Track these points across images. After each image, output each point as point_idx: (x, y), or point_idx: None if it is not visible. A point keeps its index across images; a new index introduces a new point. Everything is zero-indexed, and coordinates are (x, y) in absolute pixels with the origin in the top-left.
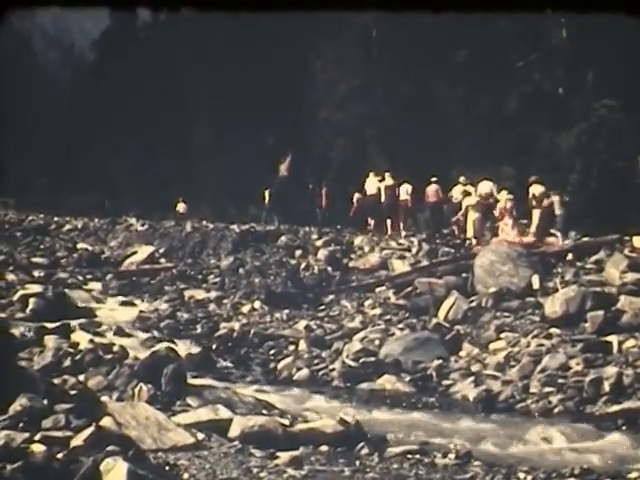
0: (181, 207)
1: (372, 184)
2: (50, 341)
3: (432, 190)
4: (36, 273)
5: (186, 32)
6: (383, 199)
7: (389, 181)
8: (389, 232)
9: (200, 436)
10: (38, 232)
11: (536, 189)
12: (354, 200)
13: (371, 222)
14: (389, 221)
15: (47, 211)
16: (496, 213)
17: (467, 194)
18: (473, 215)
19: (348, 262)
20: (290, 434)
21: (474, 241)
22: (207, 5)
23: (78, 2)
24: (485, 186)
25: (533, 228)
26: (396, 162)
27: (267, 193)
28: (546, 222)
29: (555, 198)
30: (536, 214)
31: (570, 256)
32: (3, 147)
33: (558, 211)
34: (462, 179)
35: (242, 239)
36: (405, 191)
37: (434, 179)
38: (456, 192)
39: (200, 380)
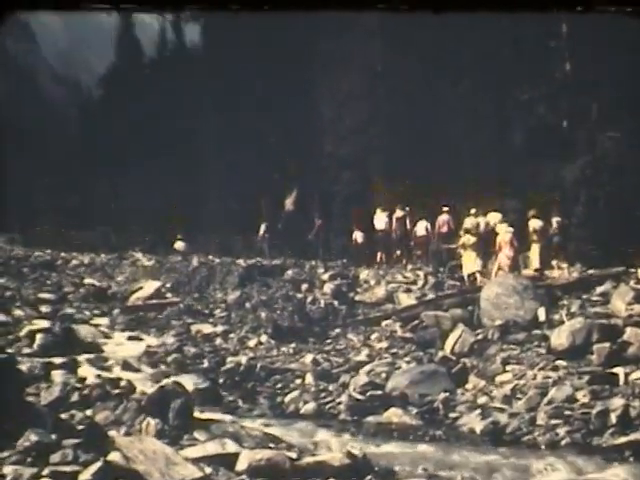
0: (179, 245)
1: (381, 219)
2: (57, 376)
3: (443, 220)
4: (43, 308)
5: (191, 69)
6: (394, 232)
7: (399, 213)
8: (403, 263)
9: (208, 470)
10: (45, 267)
11: (535, 223)
12: (354, 237)
13: (382, 256)
14: (399, 252)
15: (54, 246)
16: (496, 246)
17: (466, 232)
18: (470, 254)
19: (354, 296)
20: (297, 467)
21: (477, 277)
22: (209, 5)
23: (77, 6)
24: (494, 217)
25: (535, 263)
26: (401, 196)
27: (263, 226)
28: (547, 252)
29: (555, 219)
30: (536, 248)
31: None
32: (9, 182)
33: (557, 231)
34: (473, 211)
35: (248, 273)
36: (424, 227)
37: (446, 209)
38: (467, 224)
39: (207, 414)
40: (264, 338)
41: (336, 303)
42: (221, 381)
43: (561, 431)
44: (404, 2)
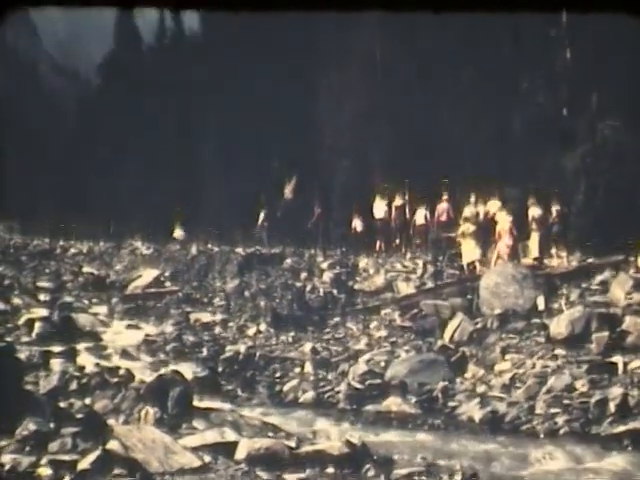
0: (178, 234)
1: (380, 208)
2: (56, 365)
3: (442, 209)
4: (42, 297)
5: (190, 57)
6: (394, 221)
7: (399, 202)
8: (402, 252)
9: (207, 459)
10: (43, 256)
11: (535, 211)
12: (353, 226)
13: (381, 245)
14: (398, 240)
15: (52, 235)
16: (496, 235)
17: (466, 220)
18: (469, 242)
19: (353, 284)
20: (296, 456)
21: (477, 265)
22: (208, 5)
23: (77, 2)
24: (493, 206)
25: (534, 252)
26: (400, 184)
27: (262, 215)
28: (546, 240)
29: (555, 208)
30: (535, 237)
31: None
32: (8, 171)
33: (556, 220)
34: (472, 198)
35: (247, 262)
36: (424, 216)
37: (445, 197)
38: (466, 212)
39: (206, 403)
40: (263, 327)
41: (335, 292)
42: (220, 370)
43: (560, 420)
44: (404, 2)
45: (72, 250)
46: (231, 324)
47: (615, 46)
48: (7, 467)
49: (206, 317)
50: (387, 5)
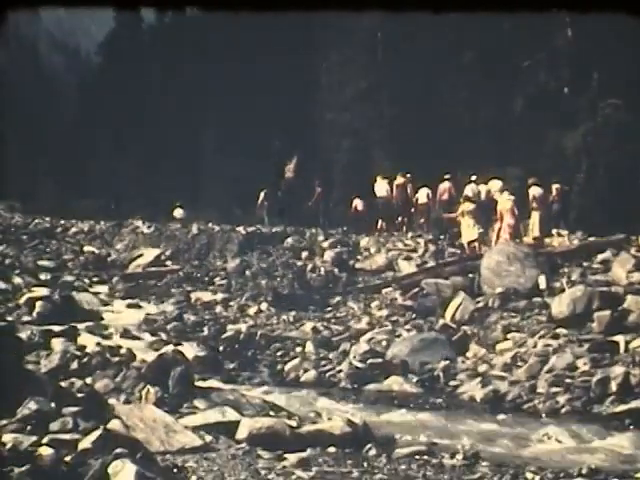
0: (178, 213)
1: (381, 187)
2: (57, 344)
3: (444, 188)
4: (42, 276)
5: (191, 36)
6: (395, 199)
7: (400, 180)
8: (403, 231)
9: (208, 438)
10: (44, 235)
11: (535, 190)
12: (354, 204)
13: (382, 224)
14: (400, 219)
15: (53, 214)
16: (497, 215)
17: (466, 199)
18: (469, 221)
19: (354, 263)
20: (298, 436)
21: (477, 244)
22: (209, 4)
23: (79, 2)
24: (495, 185)
25: (535, 231)
26: (401, 164)
27: (262, 194)
28: (547, 220)
29: (555, 186)
30: (536, 216)
31: (576, 256)
32: (9, 150)
33: (556, 198)
34: (474, 178)
35: (248, 241)
36: (425, 195)
37: (447, 176)
38: (468, 191)
39: (207, 382)
40: (264, 306)
41: (336, 271)
42: (221, 349)
43: (561, 399)
44: (404, 2)
45: (73, 229)
46: (232, 303)
47: (615, 23)
48: (8, 446)
49: (207, 296)
50: (387, 5)
